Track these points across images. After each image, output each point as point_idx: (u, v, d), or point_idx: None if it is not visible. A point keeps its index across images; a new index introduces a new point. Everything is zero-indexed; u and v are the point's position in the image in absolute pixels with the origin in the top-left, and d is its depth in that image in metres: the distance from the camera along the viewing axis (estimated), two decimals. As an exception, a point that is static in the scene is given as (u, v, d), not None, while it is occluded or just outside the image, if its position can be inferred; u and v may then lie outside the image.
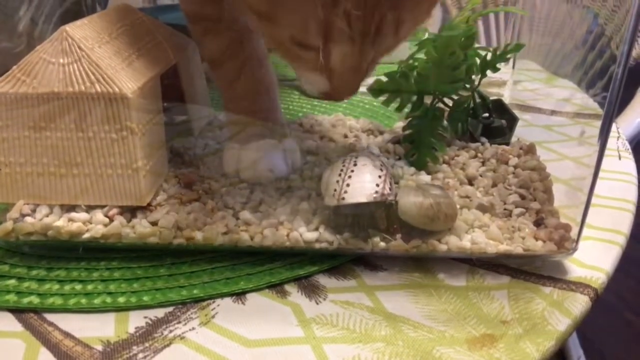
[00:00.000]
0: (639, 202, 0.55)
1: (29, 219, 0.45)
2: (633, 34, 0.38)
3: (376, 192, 0.43)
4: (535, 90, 0.80)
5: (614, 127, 0.70)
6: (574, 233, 0.44)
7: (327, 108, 0.76)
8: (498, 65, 0.57)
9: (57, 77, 0.43)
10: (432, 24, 0.52)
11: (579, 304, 0.40)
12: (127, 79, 0.44)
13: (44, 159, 0.45)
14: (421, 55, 0.55)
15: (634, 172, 0.60)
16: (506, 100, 0.69)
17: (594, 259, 0.45)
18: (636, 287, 1.52)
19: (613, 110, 0.40)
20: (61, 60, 0.44)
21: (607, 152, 0.62)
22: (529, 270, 0.44)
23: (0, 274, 0.44)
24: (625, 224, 0.50)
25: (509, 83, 0.74)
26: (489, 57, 0.57)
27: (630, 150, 0.64)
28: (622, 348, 1.36)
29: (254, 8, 0.41)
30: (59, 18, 0.70)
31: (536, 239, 0.44)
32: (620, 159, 0.62)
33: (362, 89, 0.46)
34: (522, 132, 0.61)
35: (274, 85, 0.53)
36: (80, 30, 0.45)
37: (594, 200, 0.50)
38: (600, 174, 0.42)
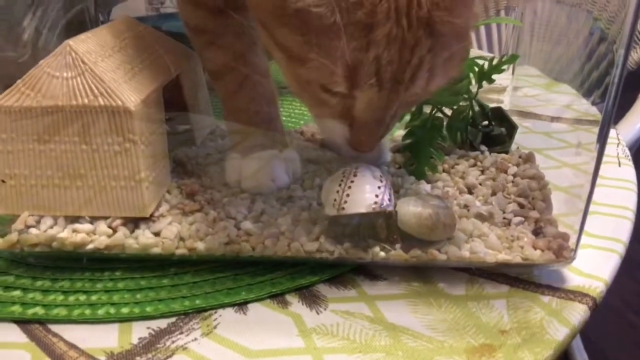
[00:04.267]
0: (640, 207, 0.56)
1: (33, 231, 0.46)
2: (629, 40, 0.38)
3: (375, 202, 0.43)
4: (536, 96, 0.81)
5: (614, 133, 0.70)
6: (572, 242, 0.44)
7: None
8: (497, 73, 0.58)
9: (60, 91, 0.44)
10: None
11: (578, 313, 0.41)
12: (130, 92, 0.45)
13: (48, 171, 0.45)
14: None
15: (634, 179, 0.60)
16: (506, 106, 0.69)
17: (592, 268, 0.45)
18: (640, 289, 1.51)
19: (610, 116, 0.41)
20: (65, 74, 0.44)
21: (607, 159, 0.62)
22: (527, 279, 0.45)
23: (6, 285, 0.44)
24: (624, 232, 0.50)
25: (508, 89, 0.75)
26: (486, 66, 0.57)
27: (630, 157, 0.64)
28: (625, 351, 1.35)
29: (286, 47, 0.39)
30: (63, 28, 0.70)
31: (535, 248, 0.45)
32: (620, 165, 0.62)
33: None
34: (522, 140, 0.62)
35: (275, 96, 0.54)
36: (84, 44, 0.46)
37: (593, 207, 0.50)
38: (600, 181, 0.42)
